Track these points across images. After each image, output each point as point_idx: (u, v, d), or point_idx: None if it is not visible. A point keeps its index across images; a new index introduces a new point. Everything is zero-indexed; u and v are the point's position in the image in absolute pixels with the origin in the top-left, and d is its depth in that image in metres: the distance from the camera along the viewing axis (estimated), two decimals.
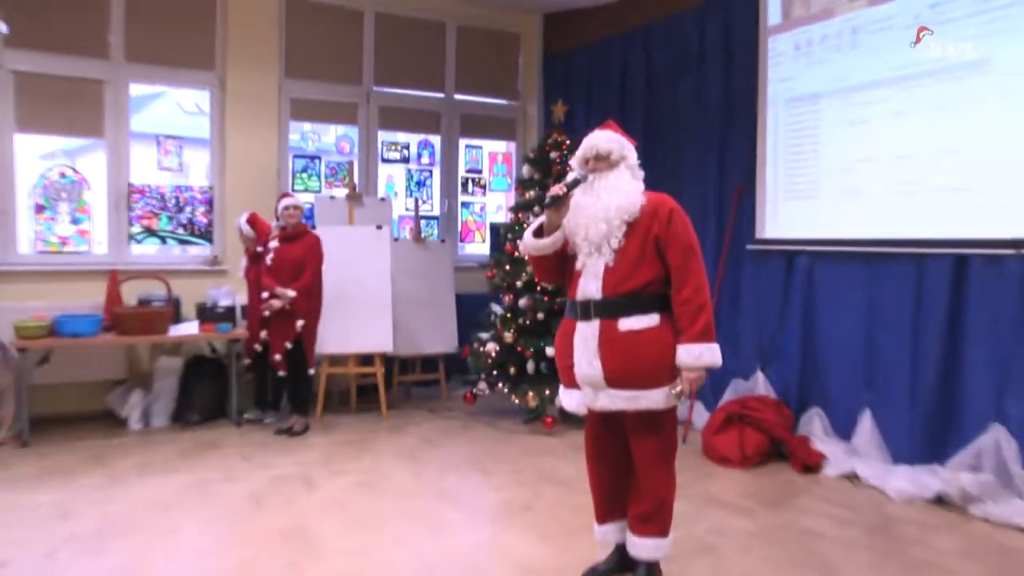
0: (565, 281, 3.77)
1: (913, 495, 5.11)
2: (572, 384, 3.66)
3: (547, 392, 6.65)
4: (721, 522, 4.67)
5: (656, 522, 3.65)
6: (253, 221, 6.94)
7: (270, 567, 3.95)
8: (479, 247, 9.30)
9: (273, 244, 6.67)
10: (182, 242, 7.67)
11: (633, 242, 3.49)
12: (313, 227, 7.12)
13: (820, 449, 5.79)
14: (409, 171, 8.96)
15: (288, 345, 6.54)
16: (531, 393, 6.74)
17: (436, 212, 9.05)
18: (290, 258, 6.58)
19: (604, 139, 3.65)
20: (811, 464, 5.69)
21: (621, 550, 3.83)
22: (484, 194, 9.42)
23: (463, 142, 9.20)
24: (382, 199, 8.27)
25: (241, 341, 6.91)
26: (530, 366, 6.85)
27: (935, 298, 5.33)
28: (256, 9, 7.75)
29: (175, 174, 7.76)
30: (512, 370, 6.94)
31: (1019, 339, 4.90)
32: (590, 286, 3.54)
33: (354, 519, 4.65)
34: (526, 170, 7.44)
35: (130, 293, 6.85)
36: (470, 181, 9.28)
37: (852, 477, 5.54)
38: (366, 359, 7.39)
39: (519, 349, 6.87)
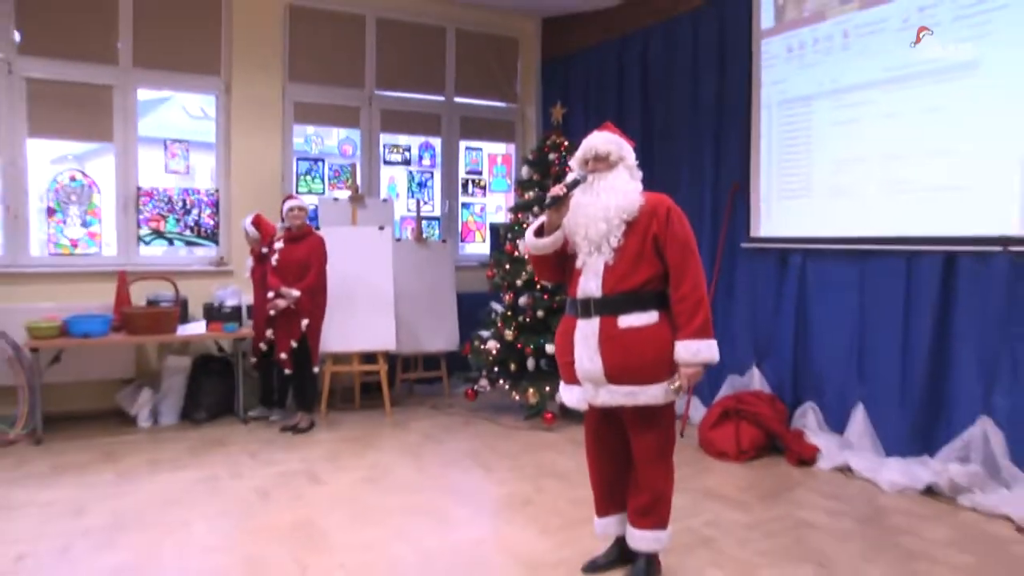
0: (565, 280, 3.78)
1: (904, 486, 5.13)
2: (573, 380, 3.67)
3: (547, 388, 6.66)
4: (718, 515, 4.68)
5: (655, 515, 3.67)
6: (258, 222, 6.95)
7: (277, 561, 3.96)
8: (479, 247, 9.29)
9: (278, 245, 6.67)
10: (189, 243, 7.67)
11: (632, 241, 3.50)
12: (317, 228, 7.12)
13: (814, 442, 5.79)
14: (410, 173, 8.96)
15: (293, 344, 6.54)
16: (531, 389, 6.74)
17: (437, 213, 9.05)
18: (295, 259, 6.59)
19: (603, 140, 3.65)
20: (805, 457, 5.70)
21: (621, 543, 3.84)
22: (484, 195, 9.42)
23: (463, 144, 9.19)
24: (384, 200, 8.28)
25: (247, 340, 6.92)
26: (530, 363, 6.86)
27: (925, 294, 5.34)
28: (260, 15, 7.75)
29: (182, 177, 7.75)
30: (512, 367, 6.95)
31: (1005, 334, 4.92)
32: (590, 284, 3.55)
33: (359, 514, 4.66)
34: (525, 171, 7.44)
35: (139, 294, 6.86)
36: (470, 182, 9.28)
37: (845, 470, 5.55)
38: (369, 357, 7.40)
39: (519, 346, 6.87)
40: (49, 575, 3.79)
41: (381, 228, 7.46)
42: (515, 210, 7.46)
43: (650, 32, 7.74)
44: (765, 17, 6.47)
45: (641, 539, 3.69)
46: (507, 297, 7.10)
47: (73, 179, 7.18)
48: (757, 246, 6.57)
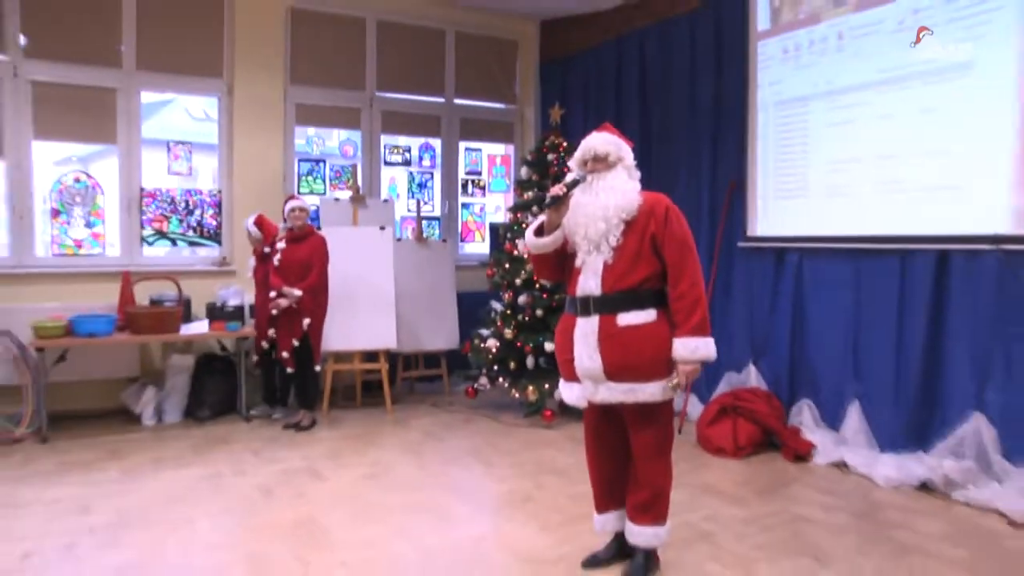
0: (565, 278, 3.78)
1: (899, 482, 5.14)
2: (572, 378, 3.68)
3: (546, 386, 6.66)
4: (716, 510, 4.69)
5: (654, 511, 3.67)
6: (260, 223, 6.95)
7: (279, 558, 3.96)
8: (479, 246, 9.30)
9: (280, 245, 6.67)
10: (192, 244, 7.67)
11: (631, 240, 3.50)
12: (319, 228, 7.12)
13: (810, 439, 5.80)
14: (411, 173, 8.96)
15: (295, 343, 6.55)
16: (531, 387, 6.74)
17: (437, 213, 9.05)
18: (297, 258, 6.59)
19: (602, 141, 3.66)
20: (802, 453, 5.71)
21: (620, 538, 3.85)
22: (483, 195, 9.42)
23: (463, 145, 9.19)
24: (385, 201, 8.28)
25: (250, 339, 6.92)
26: (529, 361, 6.86)
27: (919, 292, 5.35)
28: (262, 18, 7.75)
29: (185, 178, 7.74)
30: (512, 365, 6.95)
31: (997, 331, 4.94)
32: (589, 283, 3.55)
33: (360, 511, 4.66)
34: (524, 171, 7.44)
35: (142, 294, 6.86)
36: (470, 183, 9.28)
37: (841, 465, 5.56)
38: (371, 356, 7.39)
39: (519, 345, 6.87)
40: (55, 573, 3.79)
41: (382, 228, 7.46)
42: (514, 210, 7.46)
43: (647, 34, 7.74)
44: (761, 19, 6.48)
45: (640, 535, 3.69)
46: (506, 296, 7.10)
47: (77, 180, 7.18)
48: (754, 245, 6.57)
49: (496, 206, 9.67)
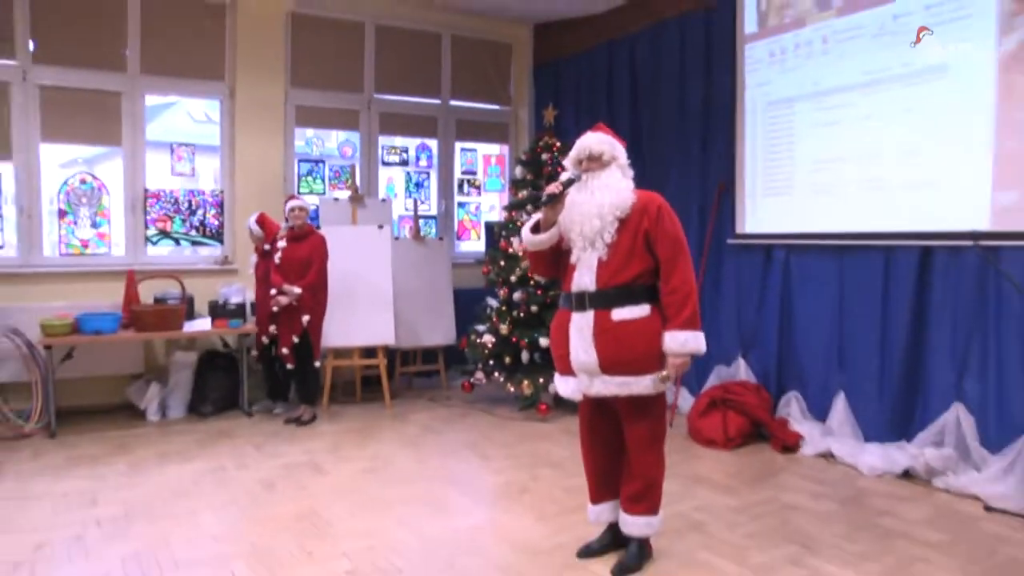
0: (560, 275, 3.79)
1: (883, 470, 5.18)
2: (567, 372, 3.68)
3: (541, 380, 6.68)
4: (707, 500, 4.71)
5: (647, 501, 3.69)
6: (262, 221, 6.94)
7: (282, 549, 3.96)
8: (475, 244, 9.29)
9: (281, 244, 6.67)
10: (195, 243, 7.66)
11: (625, 237, 3.52)
12: (318, 227, 7.12)
13: (797, 430, 5.83)
14: (408, 173, 8.95)
15: (295, 339, 6.55)
16: (526, 382, 6.75)
17: (434, 212, 9.04)
18: (297, 257, 6.59)
19: (596, 140, 3.66)
20: (789, 444, 5.73)
21: (614, 528, 3.85)
22: (479, 194, 9.42)
23: (459, 145, 9.18)
24: (383, 200, 8.27)
25: (251, 336, 6.91)
26: (525, 356, 6.86)
27: (901, 287, 5.38)
28: (263, 23, 7.73)
29: (187, 179, 7.73)
30: (508, 360, 6.95)
31: (976, 324, 4.99)
32: (584, 279, 3.56)
33: (361, 503, 4.67)
34: (519, 171, 7.44)
35: (147, 292, 6.85)
36: (466, 182, 9.28)
37: (827, 455, 5.58)
38: (369, 351, 7.40)
39: (514, 340, 6.88)
40: (65, 563, 3.79)
41: (380, 227, 7.46)
42: (509, 208, 7.47)
43: (638, 37, 7.74)
44: (748, 23, 6.48)
45: (633, 524, 3.71)
46: (502, 293, 7.10)
47: (83, 182, 7.18)
48: (742, 242, 6.58)
49: (491, 205, 9.66)
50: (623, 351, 3.48)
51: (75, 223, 7.12)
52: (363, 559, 3.83)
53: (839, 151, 5.78)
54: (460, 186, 9.24)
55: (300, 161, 8.23)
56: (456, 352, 7.87)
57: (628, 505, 3.72)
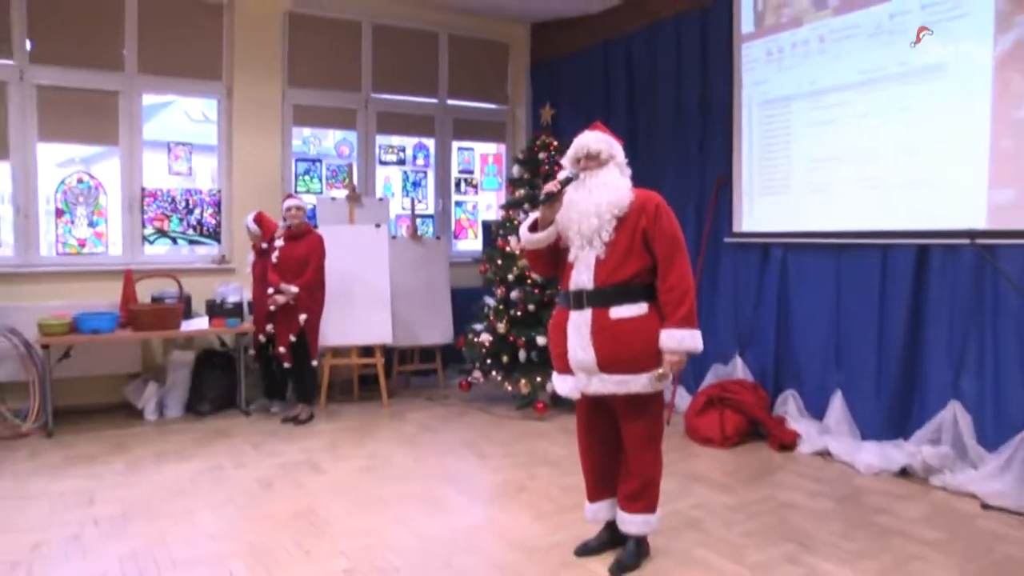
0: (558, 273, 3.78)
1: (880, 468, 5.18)
2: (565, 370, 3.68)
3: (538, 379, 6.67)
4: (704, 498, 4.70)
5: (644, 499, 3.69)
6: (259, 220, 6.93)
7: (280, 548, 3.95)
8: (472, 243, 9.29)
9: (279, 243, 6.66)
10: (192, 242, 7.65)
11: (622, 235, 3.52)
12: (316, 226, 7.12)
13: (795, 428, 5.83)
14: (405, 172, 8.94)
15: (292, 338, 6.54)
16: (523, 380, 6.75)
17: (431, 211, 9.04)
18: (294, 256, 6.58)
19: (594, 139, 3.67)
20: (787, 442, 5.73)
21: (611, 527, 3.85)
22: (476, 193, 9.42)
23: (456, 144, 9.18)
24: (380, 199, 8.26)
25: (249, 335, 6.90)
26: (522, 355, 6.86)
27: (898, 286, 5.39)
28: (261, 22, 7.72)
29: (185, 178, 7.72)
30: (505, 359, 6.95)
31: (973, 322, 5.00)
32: (582, 277, 3.56)
33: (359, 501, 4.66)
34: (516, 170, 7.44)
35: (144, 291, 6.83)
36: (463, 181, 9.28)
37: (824, 453, 5.58)
38: (367, 350, 7.40)
39: (511, 339, 6.88)
40: (62, 562, 3.78)
41: (377, 226, 7.45)
42: (506, 207, 7.45)
43: (634, 37, 7.74)
44: (746, 22, 6.48)
45: (631, 523, 3.71)
46: (499, 291, 7.09)
47: (80, 181, 7.16)
48: (740, 240, 6.58)
49: (488, 204, 9.66)
50: (621, 349, 3.48)
51: (72, 222, 7.10)
52: (361, 558, 3.83)
53: (836, 150, 5.78)
54: (457, 185, 9.24)
55: (297, 160, 8.22)
56: (453, 351, 7.87)
57: (626, 503, 3.72)
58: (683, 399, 6.74)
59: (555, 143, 7.25)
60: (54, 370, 6.28)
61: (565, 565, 3.75)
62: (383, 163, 8.75)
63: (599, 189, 3.55)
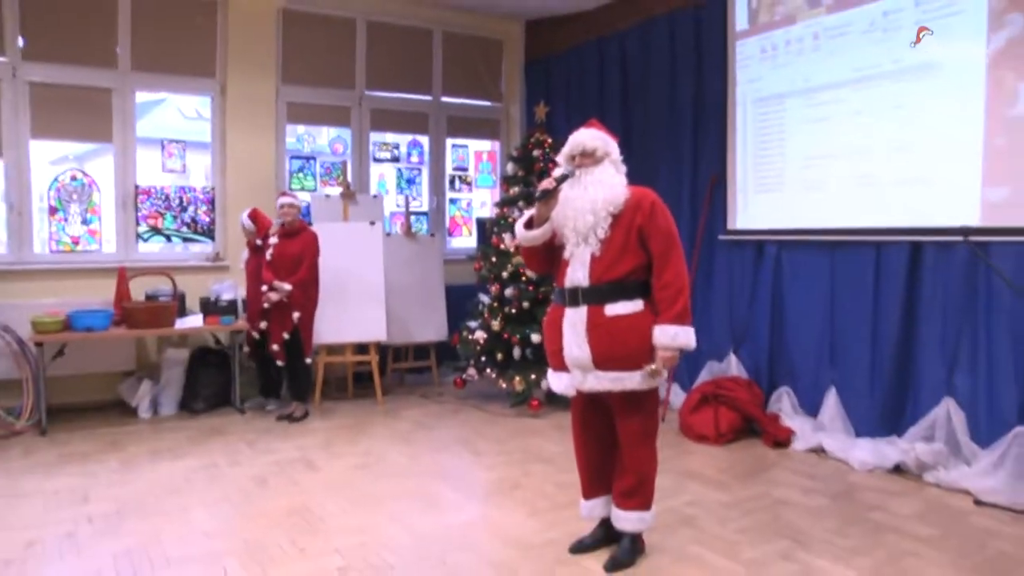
0: (553, 270, 3.79)
1: (874, 465, 5.19)
2: (560, 367, 3.69)
3: (533, 376, 6.67)
4: (699, 495, 4.71)
5: (639, 496, 3.69)
6: (255, 216, 6.92)
7: (274, 545, 3.95)
8: (466, 240, 9.29)
9: (273, 240, 6.66)
10: (186, 240, 7.63)
11: (618, 232, 3.52)
12: (310, 224, 7.11)
13: (789, 425, 5.84)
14: (399, 170, 8.93)
15: (286, 336, 6.54)
16: (518, 378, 6.75)
17: (425, 208, 9.03)
18: (288, 253, 6.57)
19: (589, 137, 3.67)
20: (781, 439, 5.74)
21: (606, 524, 3.86)
22: (470, 190, 9.41)
23: (450, 142, 9.18)
24: (374, 196, 8.25)
25: (243, 332, 6.89)
26: (516, 352, 6.86)
27: (892, 283, 5.40)
28: (254, 19, 7.70)
29: (178, 176, 7.71)
30: (499, 356, 6.95)
31: (966, 319, 5.01)
32: (578, 274, 3.56)
33: (353, 499, 4.66)
34: (510, 167, 7.45)
35: (138, 289, 6.81)
36: (457, 178, 9.27)
37: (819, 450, 5.59)
38: (361, 348, 7.40)
39: (506, 336, 6.87)
40: (56, 560, 3.77)
41: (372, 223, 7.45)
42: (501, 205, 7.46)
43: (628, 34, 7.74)
44: (740, 20, 6.48)
45: (626, 520, 3.71)
46: (494, 289, 7.09)
47: (74, 178, 7.14)
48: (734, 238, 6.59)
49: (482, 201, 9.66)
50: (616, 346, 3.48)
51: (66, 220, 7.08)
52: (355, 555, 3.83)
53: (830, 147, 5.79)
54: (451, 182, 9.23)
55: (291, 158, 8.21)
56: (448, 348, 7.87)
57: (620, 500, 3.72)
58: (677, 396, 6.76)
59: (549, 140, 7.25)
60: (48, 368, 6.27)
61: (560, 562, 3.76)
62: (377, 160, 8.74)
63: (595, 186, 3.55)
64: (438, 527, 4.22)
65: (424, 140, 9.01)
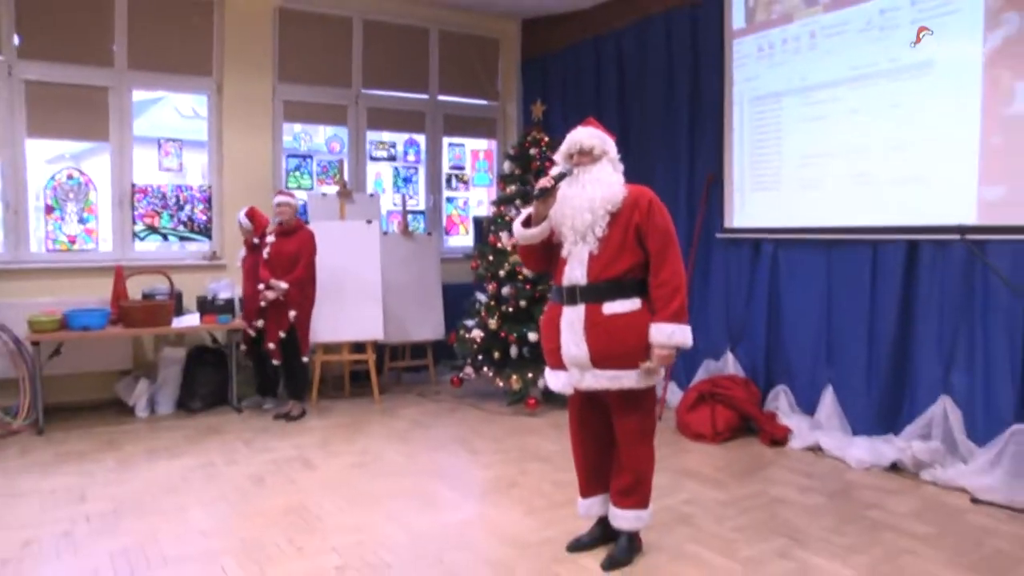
0: (550, 269, 3.79)
1: (871, 463, 5.20)
2: (558, 366, 3.68)
3: (530, 375, 6.67)
4: (696, 493, 4.71)
5: (637, 495, 3.69)
6: (252, 214, 6.91)
7: (271, 544, 3.95)
8: (463, 239, 9.28)
9: (270, 239, 6.66)
10: (183, 238, 7.62)
11: (616, 231, 3.52)
12: (306, 222, 7.11)
13: (786, 423, 5.84)
14: (396, 168, 8.93)
15: (282, 334, 6.53)
16: (514, 376, 6.75)
17: (422, 207, 9.03)
18: (285, 252, 6.56)
19: (587, 135, 3.66)
20: (778, 438, 5.74)
21: (604, 522, 3.86)
22: (467, 189, 9.41)
23: (446, 140, 9.16)
24: (371, 195, 8.23)
25: (240, 331, 6.89)
26: (513, 351, 6.86)
27: (889, 281, 5.40)
28: (251, 18, 7.69)
29: (175, 174, 7.71)
30: (496, 355, 6.95)
31: (963, 317, 5.01)
32: (575, 272, 3.56)
33: (350, 497, 4.65)
34: (507, 166, 7.44)
35: (135, 288, 6.80)
36: (454, 177, 9.27)
37: (815, 449, 5.59)
38: (358, 346, 7.39)
39: (503, 335, 6.87)
40: (53, 559, 3.77)
41: (368, 222, 7.44)
42: (497, 203, 7.45)
43: (624, 32, 7.74)
44: (736, 18, 6.49)
45: (623, 518, 3.71)
46: (491, 287, 7.09)
47: (70, 177, 7.12)
48: (731, 236, 6.59)
49: (479, 200, 9.66)
50: (614, 345, 3.48)
51: (62, 219, 7.07)
52: (352, 554, 3.83)
53: (826, 146, 5.79)
54: (448, 181, 9.22)
55: (288, 156, 8.20)
56: (445, 347, 7.87)
57: (618, 499, 3.72)
58: (674, 395, 6.76)
59: (546, 139, 7.25)
60: (44, 367, 6.24)
61: (557, 561, 3.76)
62: (374, 159, 8.73)
63: (593, 185, 3.55)
64: (435, 526, 4.22)
65: (421, 139, 9.00)
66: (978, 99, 4.88)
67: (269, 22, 7.83)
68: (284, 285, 6.43)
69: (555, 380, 3.74)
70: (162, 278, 6.81)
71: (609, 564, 3.66)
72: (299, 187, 8.17)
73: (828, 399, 5.73)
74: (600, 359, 3.50)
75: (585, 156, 3.63)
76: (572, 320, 3.56)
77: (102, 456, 5.50)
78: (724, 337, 6.62)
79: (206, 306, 6.82)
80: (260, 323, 6.62)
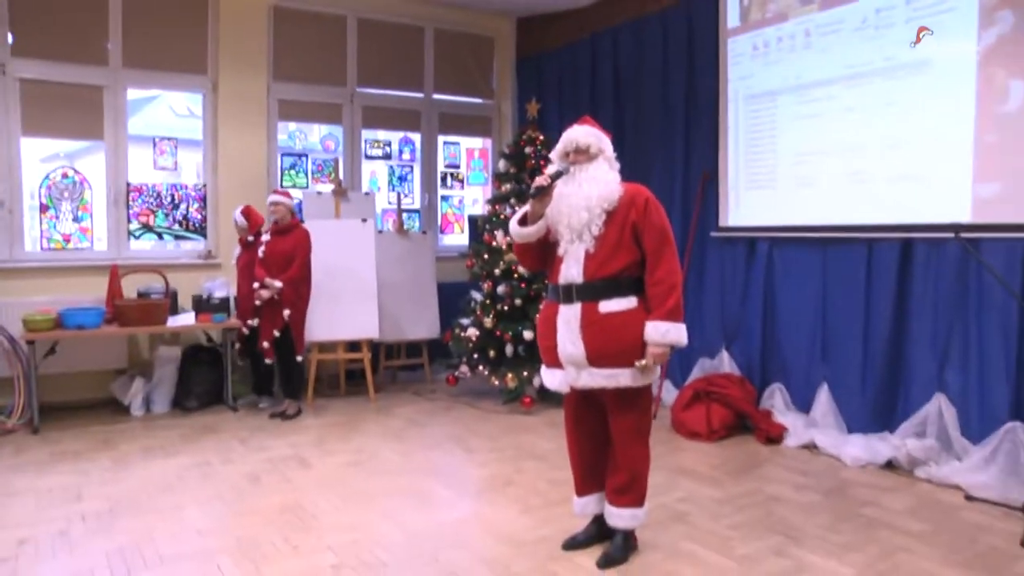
0: (546, 267, 3.79)
1: (866, 461, 5.20)
2: (554, 364, 3.68)
3: (525, 374, 6.68)
4: (691, 492, 4.72)
5: (632, 493, 3.69)
6: (247, 213, 6.91)
7: (267, 543, 3.94)
8: (458, 238, 9.28)
9: (265, 237, 6.66)
10: (178, 237, 7.61)
11: (612, 229, 3.52)
12: (303, 221, 7.10)
13: (781, 421, 5.85)
14: (391, 167, 8.92)
15: (276, 333, 6.53)
16: (510, 375, 6.75)
17: (417, 205, 9.03)
18: (280, 251, 6.56)
19: (583, 133, 3.66)
20: (773, 436, 5.75)
21: (599, 521, 3.86)
22: (462, 188, 9.41)
23: (442, 139, 9.17)
24: (366, 194, 8.23)
25: (235, 330, 6.88)
26: (509, 349, 6.86)
27: (884, 279, 5.41)
28: (246, 16, 7.69)
29: (170, 173, 7.69)
30: (492, 353, 6.95)
31: (958, 315, 5.03)
32: (572, 271, 3.56)
33: (346, 496, 4.65)
34: (502, 164, 7.43)
35: (130, 286, 6.80)
36: (449, 176, 9.27)
37: (811, 446, 5.60)
38: (354, 345, 7.39)
39: (498, 333, 6.87)
40: (49, 558, 3.76)
41: (364, 220, 7.44)
42: (493, 202, 7.45)
43: (619, 31, 7.74)
44: (731, 17, 6.49)
45: (619, 516, 3.71)
46: (486, 286, 7.09)
47: (65, 176, 7.10)
48: (726, 235, 6.60)
49: (474, 199, 9.67)
50: (610, 343, 3.48)
51: (57, 218, 7.05)
52: (348, 552, 3.82)
53: (821, 144, 5.80)
54: (443, 179, 9.23)
55: (283, 155, 8.19)
56: (440, 346, 7.87)
57: (613, 497, 3.72)
58: (670, 393, 6.76)
59: (541, 137, 7.25)
60: (39, 366, 6.23)
61: (552, 559, 3.75)
62: (369, 157, 8.73)
63: (589, 183, 3.55)
64: (431, 524, 4.22)
65: (416, 137, 9.00)
66: (972, 97, 4.89)
67: (264, 20, 7.82)
68: (279, 284, 6.43)
69: (551, 378, 3.73)
70: (157, 277, 6.81)
71: (605, 562, 3.66)
72: (294, 186, 8.16)
73: (823, 397, 5.74)
74: (596, 357, 3.50)
75: (581, 154, 3.63)
76: (568, 318, 3.56)
77: (98, 455, 5.49)
78: (719, 335, 6.63)
79: (201, 305, 6.82)
80: (254, 322, 6.61)
